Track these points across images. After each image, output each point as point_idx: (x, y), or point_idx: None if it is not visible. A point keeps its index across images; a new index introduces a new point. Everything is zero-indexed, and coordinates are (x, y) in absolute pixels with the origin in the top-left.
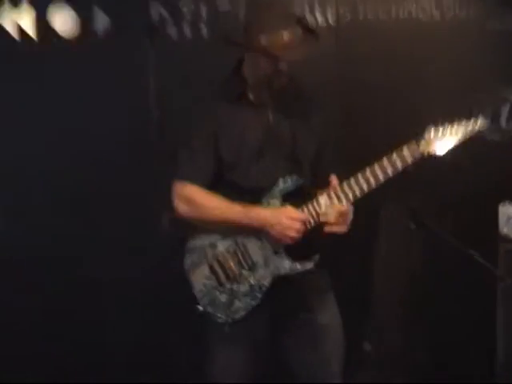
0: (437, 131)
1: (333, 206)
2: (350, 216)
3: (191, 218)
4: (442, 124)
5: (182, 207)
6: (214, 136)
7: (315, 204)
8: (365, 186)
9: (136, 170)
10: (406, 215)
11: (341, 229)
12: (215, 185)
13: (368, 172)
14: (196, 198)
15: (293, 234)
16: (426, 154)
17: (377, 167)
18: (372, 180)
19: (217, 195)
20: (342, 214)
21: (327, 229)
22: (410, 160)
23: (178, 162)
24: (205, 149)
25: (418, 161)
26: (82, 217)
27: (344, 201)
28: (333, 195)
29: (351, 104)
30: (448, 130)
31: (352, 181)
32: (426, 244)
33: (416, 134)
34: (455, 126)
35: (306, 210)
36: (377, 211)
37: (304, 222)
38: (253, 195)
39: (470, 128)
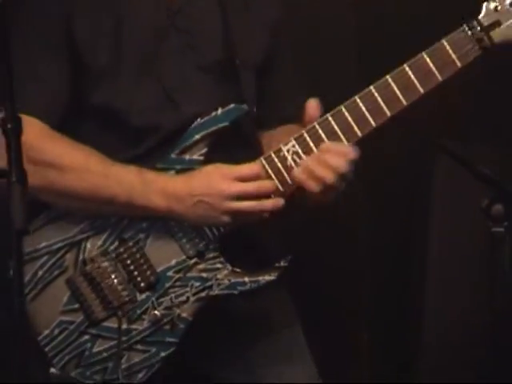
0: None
1: (327, 147)
2: (350, 174)
3: (34, 189)
4: None
5: None
6: (65, 15)
7: (276, 155)
8: (370, 117)
9: None
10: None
11: (329, 196)
12: (73, 120)
13: (378, 87)
14: (38, 152)
15: (248, 205)
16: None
17: (390, 80)
18: (381, 101)
19: (80, 145)
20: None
21: (310, 198)
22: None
23: None
24: (47, 43)
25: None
26: None
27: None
28: (308, 138)
29: None
30: None
31: (348, 107)
32: None
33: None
34: None
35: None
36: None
37: (264, 178)
38: (142, 144)
39: None
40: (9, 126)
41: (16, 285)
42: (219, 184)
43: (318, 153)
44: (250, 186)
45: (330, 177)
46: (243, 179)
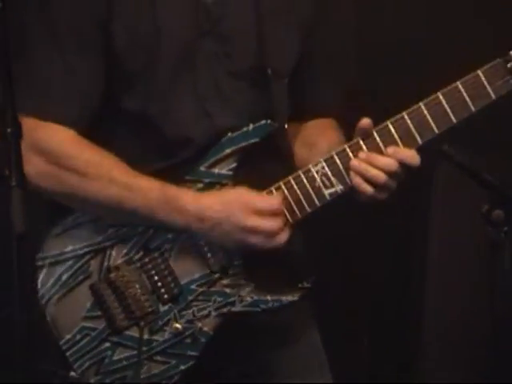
0: None
1: (394, 150)
2: (401, 173)
3: (55, 193)
4: None
5: (37, 172)
6: (102, 19)
7: (305, 176)
8: (400, 144)
9: None
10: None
11: (382, 196)
12: (105, 124)
13: (411, 114)
14: (64, 158)
15: (258, 239)
16: None
17: (424, 107)
18: (412, 128)
19: (106, 154)
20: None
21: (362, 197)
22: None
23: (19, 83)
24: (81, 48)
25: None
26: None
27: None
28: (338, 161)
29: None
30: None
31: (379, 132)
32: None
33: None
34: None
35: (287, 188)
36: None
37: (282, 214)
38: (173, 155)
39: None
40: (8, 130)
41: (17, 288)
42: (237, 214)
43: (365, 154)
44: (265, 225)
45: (381, 177)
46: (261, 213)
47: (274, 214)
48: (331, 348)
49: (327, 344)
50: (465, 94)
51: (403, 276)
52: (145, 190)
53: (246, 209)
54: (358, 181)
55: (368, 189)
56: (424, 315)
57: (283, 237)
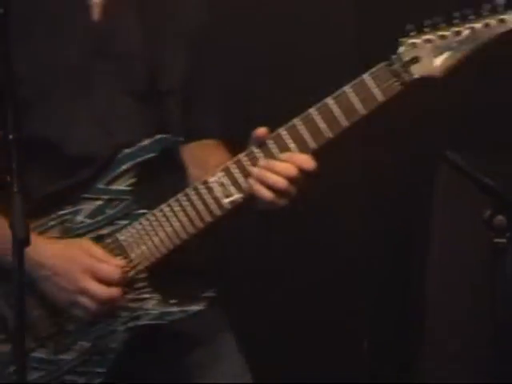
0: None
1: (288, 156)
2: (300, 178)
3: None
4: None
5: None
6: None
7: (210, 182)
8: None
9: None
10: None
11: (282, 202)
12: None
13: (303, 119)
14: None
15: (87, 303)
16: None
17: (316, 112)
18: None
19: None
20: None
21: (263, 204)
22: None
23: None
24: None
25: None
26: None
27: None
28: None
29: None
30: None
31: (274, 138)
32: None
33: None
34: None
35: (187, 200)
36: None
37: (119, 284)
38: (74, 174)
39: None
40: (10, 136)
41: (16, 293)
42: (76, 271)
43: (264, 161)
44: (97, 290)
45: (281, 182)
46: (98, 278)
47: (110, 282)
48: (331, 348)
49: (327, 344)
50: (353, 98)
51: (404, 277)
52: None
53: (85, 268)
54: (258, 187)
55: (268, 194)
56: (424, 315)
57: (113, 308)
